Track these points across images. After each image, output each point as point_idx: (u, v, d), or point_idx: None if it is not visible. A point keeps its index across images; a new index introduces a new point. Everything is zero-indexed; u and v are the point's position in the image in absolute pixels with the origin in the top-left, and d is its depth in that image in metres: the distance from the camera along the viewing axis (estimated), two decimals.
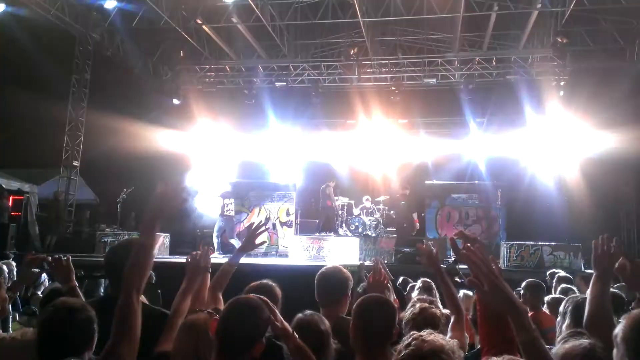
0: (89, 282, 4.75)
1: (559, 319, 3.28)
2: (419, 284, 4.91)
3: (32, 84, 16.14)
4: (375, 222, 13.43)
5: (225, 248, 12.59)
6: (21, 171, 15.28)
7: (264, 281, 3.16)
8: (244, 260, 3.46)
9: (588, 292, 2.60)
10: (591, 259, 2.63)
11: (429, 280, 4.80)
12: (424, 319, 2.82)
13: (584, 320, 2.51)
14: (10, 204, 13.50)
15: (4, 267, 5.21)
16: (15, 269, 5.56)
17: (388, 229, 13.64)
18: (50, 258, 3.42)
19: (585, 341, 2.08)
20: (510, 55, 15.69)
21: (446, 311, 3.48)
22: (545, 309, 4.88)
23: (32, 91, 16.35)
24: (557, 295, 4.83)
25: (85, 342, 2.11)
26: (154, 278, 4.97)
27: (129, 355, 2.12)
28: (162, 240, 12.46)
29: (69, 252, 11.07)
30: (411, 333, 1.85)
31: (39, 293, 5.48)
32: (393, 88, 16.27)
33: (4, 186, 13.35)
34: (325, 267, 3.30)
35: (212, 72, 17.52)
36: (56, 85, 15.34)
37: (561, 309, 3.25)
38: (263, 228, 3.48)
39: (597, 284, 2.53)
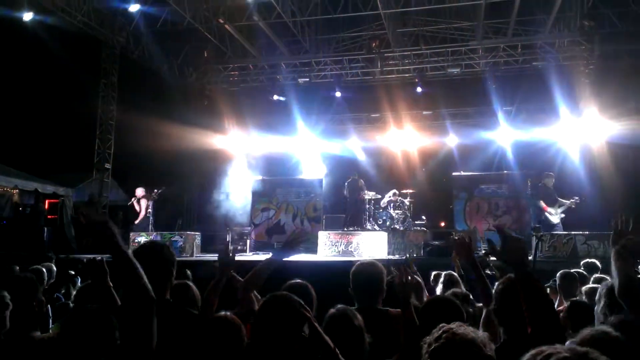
0: None
1: (596, 307, 3.27)
2: (442, 277, 4.88)
3: (62, 89, 16.58)
4: (403, 216, 13.37)
5: None
6: (56, 175, 15.69)
7: (298, 281, 3.17)
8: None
9: (612, 267, 2.77)
10: (611, 238, 2.87)
11: (453, 273, 4.79)
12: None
13: (616, 291, 2.70)
14: (46, 207, 13.91)
15: (44, 270, 5.38)
16: (55, 271, 5.73)
17: (416, 222, 13.56)
18: (85, 260, 3.51)
19: (602, 327, 2.07)
20: (536, 40, 15.32)
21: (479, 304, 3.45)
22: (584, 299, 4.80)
23: (63, 96, 16.80)
24: (593, 285, 4.75)
25: (103, 350, 2.16)
26: (191, 276, 5.05)
27: None
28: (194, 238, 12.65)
29: (104, 254, 11.39)
30: (440, 325, 1.83)
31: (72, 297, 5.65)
32: (416, 80, 16.10)
33: (39, 190, 13.73)
34: (360, 262, 3.31)
35: (235, 70, 17.66)
36: (85, 90, 15.71)
37: (597, 296, 3.26)
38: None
39: (618, 260, 2.72)
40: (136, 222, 12.48)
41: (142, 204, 12.48)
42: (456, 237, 3.94)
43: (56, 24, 13.33)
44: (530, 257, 10.34)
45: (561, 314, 3.80)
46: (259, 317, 2.18)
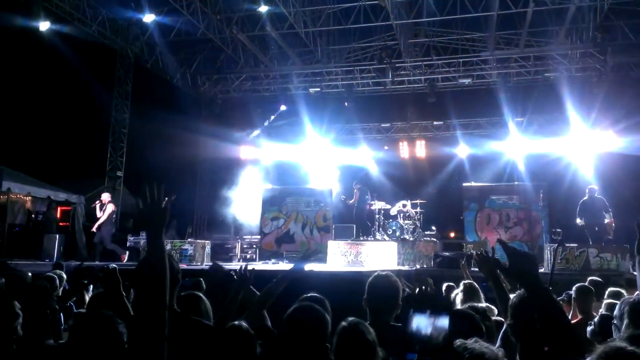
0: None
1: (615, 321, 3.20)
2: (460, 287, 4.82)
3: (76, 97, 16.79)
4: (412, 226, 13.29)
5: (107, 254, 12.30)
6: (68, 183, 15.84)
7: (315, 295, 3.15)
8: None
9: (637, 277, 2.57)
10: (636, 244, 2.59)
11: (471, 282, 4.69)
12: None
13: None
14: (58, 214, 14.02)
15: (57, 278, 5.42)
16: (65, 278, 5.77)
17: (426, 232, 13.49)
18: (97, 268, 3.54)
19: (616, 343, 2.04)
20: (548, 52, 15.27)
21: (497, 318, 3.43)
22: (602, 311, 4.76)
23: (76, 104, 16.99)
24: (613, 300, 4.71)
25: (110, 356, 2.15)
26: (204, 287, 5.04)
27: None
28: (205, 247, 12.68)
29: (114, 261, 11.39)
30: (456, 341, 1.85)
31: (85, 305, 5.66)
32: (427, 90, 16.11)
33: (52, 197, 13.86)
34: (377, 273, 3.27)
35: (247, 80, 17.79)
36: (99, 98, 15.89)
37: (616, 312, 3.17)
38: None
39: None
40: (94, 228, 12.08)
41: (107, 209, 12.19)
42: (477, 253, 3.88)
43: (72, 33, 13.54)
44: (543, 270, 10.26)
45: (589, 328, 3.75)
46: (285, 327, 2.18)
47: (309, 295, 3.14)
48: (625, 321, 2.94)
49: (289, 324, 2.21)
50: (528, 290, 2.10)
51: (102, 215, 12.13)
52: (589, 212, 11.24)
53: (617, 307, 3.21)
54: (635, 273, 3.55)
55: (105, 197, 12.48)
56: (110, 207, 12.24)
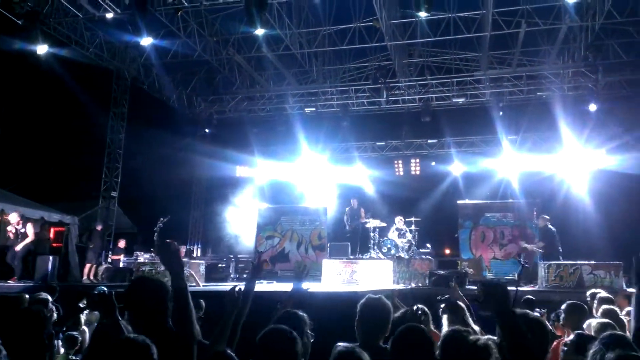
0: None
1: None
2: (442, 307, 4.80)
3: (71, 118, 16.86)
4: (408, 244, 13.28)
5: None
6: (62, 203, 15.81)
7: (291, 311, 3.16)
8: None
9: (632, 308, 2.67)
10: (632, 275, 2.71)
11: (452, 301, 4.68)
12: None
13: (632, 335, 2.63)
14: (51, 235, 13.95)
15: (50, 300, 5.38)
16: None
17: (421, 250, 13.49)
18: (92, 293, 3.54)
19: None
20: (540, 71, 15.48)
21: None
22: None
23: (73, 126, 17.06)
24: (604, 320, 4.71)
25: None
26: (204, 307, 5.01)
27: None
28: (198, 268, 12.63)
29: (106, 282, 11.27)
30: None
31: (83, 324, 5.62)
32: (421, 110, 16.27)
33: (45, 218, 13.80)
34: (368, 296, 3.29)
35: (243, 100, 17.91)
36: (95, 119, 15.96)
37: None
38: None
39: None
40: (18, 247, 11.55)
41: (28, 230, 11.77)
42: (447, 303, 4.04)
43: (69, 56, 13.65)
44: (537, 287, 10.29)
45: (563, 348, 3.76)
46: (257, 352, 2.19)
47: (284, 312, 3.15)
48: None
49: (260, 348, 2.24)
50: (497, 315, 2.35)
51: (29, 236, 11.79)
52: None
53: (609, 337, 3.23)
54: (630, 290, 3.59)
55: (15, 217, 11.97)
56: (30, 229, 11.88)
